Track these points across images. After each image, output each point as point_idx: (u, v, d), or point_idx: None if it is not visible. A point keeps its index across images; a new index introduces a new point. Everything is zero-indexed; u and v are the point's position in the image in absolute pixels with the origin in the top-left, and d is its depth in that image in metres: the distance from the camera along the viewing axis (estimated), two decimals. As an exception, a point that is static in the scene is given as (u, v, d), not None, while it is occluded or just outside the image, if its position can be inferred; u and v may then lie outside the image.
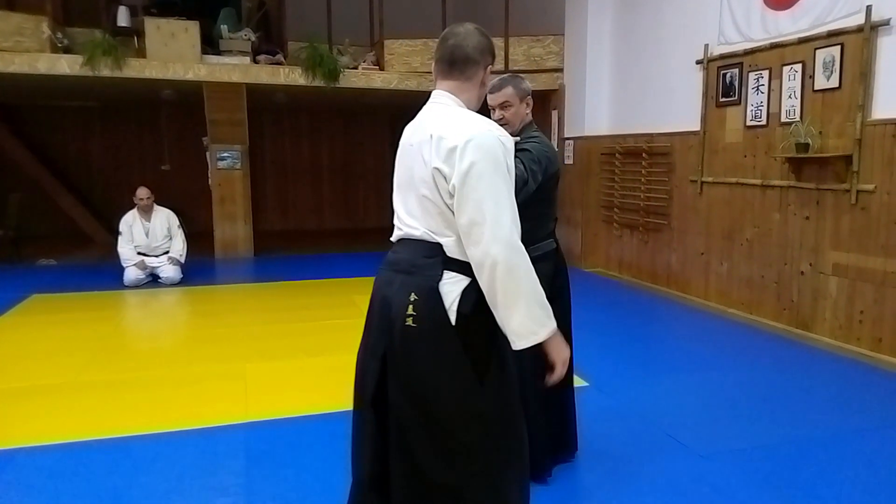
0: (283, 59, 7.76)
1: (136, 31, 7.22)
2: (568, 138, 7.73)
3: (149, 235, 6.65)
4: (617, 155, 7.01)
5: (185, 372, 4.00)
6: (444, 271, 1.62)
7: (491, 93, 2.49)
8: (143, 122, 10.74)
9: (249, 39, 7.56)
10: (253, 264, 7.87)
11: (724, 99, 5.52)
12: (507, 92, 2.49)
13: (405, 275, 1.67)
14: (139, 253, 6.59)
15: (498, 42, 7.83)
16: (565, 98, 7.76)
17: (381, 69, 7.89)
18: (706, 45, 5.67)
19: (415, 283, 1.63)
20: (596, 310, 5.72)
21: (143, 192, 6.63)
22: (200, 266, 7.35)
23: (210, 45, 7.60)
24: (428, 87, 7.86)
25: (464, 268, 1.60)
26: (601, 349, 4.47)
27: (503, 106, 2.50)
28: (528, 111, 2.56)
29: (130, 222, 6.64)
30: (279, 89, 7.90)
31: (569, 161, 7.73)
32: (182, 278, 6.66)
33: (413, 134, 1.72)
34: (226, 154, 7.80)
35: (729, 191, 5.48)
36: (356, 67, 7.82)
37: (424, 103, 1.77)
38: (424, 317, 1.60)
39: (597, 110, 7.33)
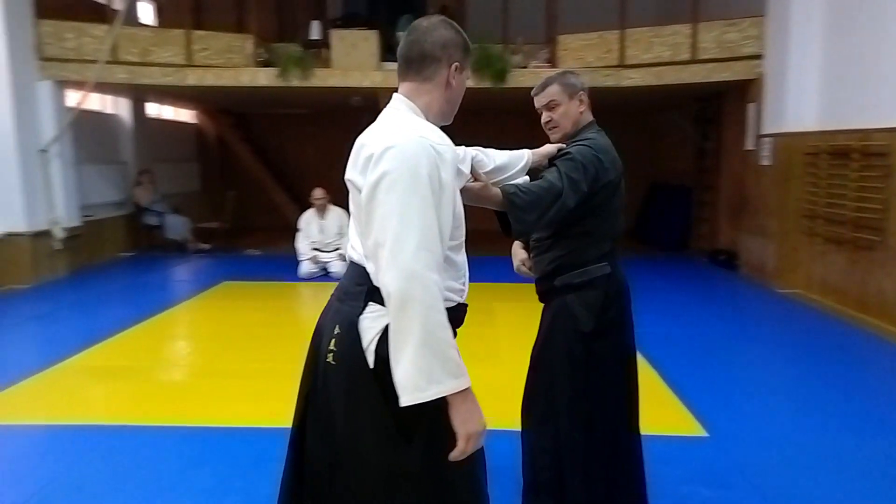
0: (456, 61, 7.80)
1: (326, 44, 7.80)
2: (766, 135, 6.65)
3: (322, 232, 7.17)
4: (823, 155, 5.85)
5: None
6: (369, 303, 1.39)
7: (534, 94, 2.19)
8: (348, 127, 11.65)
9: (424, 44, 7.73)
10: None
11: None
12: (552, 90, 2.15)
13: (338, 303, 1.48)
14: (314, 248, 7.14)
15: (684, 29, 7.03)
16: (764, 89, 6.68)
17: (554, 66, 7.55)
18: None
19: (341, 314, 1.44)
20: (773, 341, 4.85)
21: (318, 193, 7.17)
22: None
23: (392, 52, 7.93)
24: (602, 82, 7.37)
25: None
26: (758, 393, 3.73)
27: (549, 107, 2.16)
28: (583, 109, 2.17)
29: (308, 220, 7.23)
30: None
31: (765, 162, 6.65)
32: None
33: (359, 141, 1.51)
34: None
35: (966, 202, 4.22)
36: (526, 66, 7.58)
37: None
38: (343, 354, 1.40)
39: (802, 102, 6.17)
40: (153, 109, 10.50)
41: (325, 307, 1.54)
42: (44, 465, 2.80)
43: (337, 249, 7.14)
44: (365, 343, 1.37)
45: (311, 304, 6.31)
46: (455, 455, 1.33)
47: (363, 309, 1.40)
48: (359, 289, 1.42)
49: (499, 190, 1.86)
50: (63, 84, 7.17)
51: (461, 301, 1.53)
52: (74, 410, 3.43)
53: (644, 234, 10.15)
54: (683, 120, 9.34)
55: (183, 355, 4.65)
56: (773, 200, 6.51)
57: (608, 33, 7.34)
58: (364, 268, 1.43)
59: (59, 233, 7.01)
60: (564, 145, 2.13)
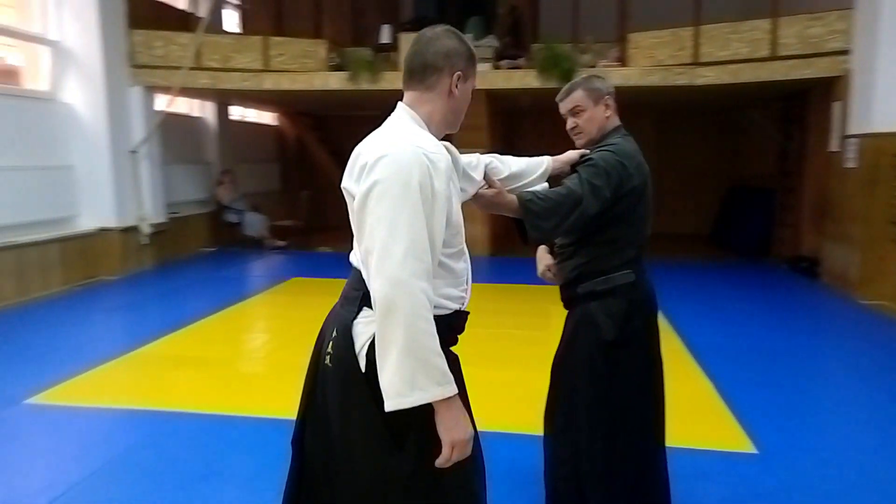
0: (523, 62, 7.77)
1: (395, 47, 7.96)
2: (852, 136, 6.23)
3: (386, 232, 7.31)
4: (914, 157, 5.43)
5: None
6: (363, 308, 1.44)
7: (560, 100, 2.16)
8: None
9: (491, 46, 7.75)
10: (484, 264, 8.09)
11: None
12: (577, 96, 2.11)
13: (339, 306, 1.54)
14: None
15: (763, 24, 6.69)
16: (851, 86, 6.26)
17: (624, 65, 7.38)
18: None
19: (339, 318, 1.50)
20: (848, 356, 4.55)
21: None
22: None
23: (459, 53, 8.00)
24: (675, 81, 7.13)
25: None
26: (819, 411, 3.52)
27: (574, 112, 2.13)
28: (609, 114, 2.13)
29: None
30: (517, 93, 7.94)
31: (851, 164, 6.23)
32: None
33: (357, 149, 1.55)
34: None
35: None
36: (595, 66, 7.44)
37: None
38: (339, 357, 1.45)
39: (891, 101, 5.75)
40: (237, 112, 11.06)
41: (331, 309, 1.60)
42: (109, 444, 3.03)
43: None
44: (357, 347, 1.41)
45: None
46: (440, 462, 1.35)
47: (357, 313, 1.43)
48: (355, 293, 1.46)
49: (514, 197, 1.87)
50: (152, 89, 7.67)
51: (461, 308, 1.54)
52: (144, 395, 3.68)
53: (721, 238, 9.73)
54: (764, 119, 8.88)
55: (249, 347, 4.89)
56: (858, 205, 6.09)
57: (682, 30, 7.09)
58: (359, 272, 1.47)
59: (146, 228, 7.52)
60: (588, 151, 2.10)
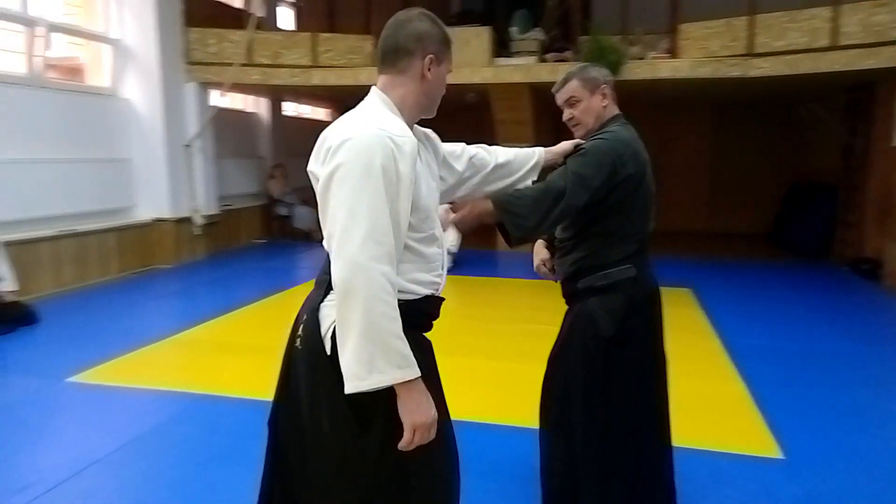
0: (570, 55, 7.64)
1: (441, 41, 7.96)
2: (918, 130, 5.85)
3: (428, 226, 7.35)
4: None
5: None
6: (329, 291, 1.44)
7: (555, 91, 2.12)
8: (467, 124, 11.80)
9: (537, 39, 7.65)
10: (526, 260, 8.03)
11: None
12: (572, 86, 2.07)
13: (312, 290, 1.55)
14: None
15: (823, 12, 6.35)
16: (920, 76, 5.88)
17: (674, 57, 7.15)
18: None
19: (309, 301, 1.52)
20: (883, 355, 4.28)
21: (425, 187, 7.35)
22: (482, 257, 7.83)
23: (506, 48, 7.94)
24: (727, 73, 6.86)
25: None
26: (858, 420, 3.32)
27: (570, 103, 2.09)
28: (606, 104, 2.08)
29: (415, 213, 7.44)
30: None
31: (916, 160, 5.85)
32: (453, 267, 7.19)
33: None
34: (512, 151, 8.11)
35: None
36: (643, 58, 7.24)
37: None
38: (307, 340, 1.47)
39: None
40: (291, 108, 11.33)
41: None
42: (138, 422, 3.17)
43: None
44: (323, 330, 1.41)
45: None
46: (402, 445, 1.35)
47: (324, 297, 1.45)
48: (324, 277, 1.47)
49: (489, 203, 1.84)
50: (206, 85, 7.95)
51: (433, 293, 1.53)
52: (180, 377, 3.84)
53: (781, 238, 9.30)
54: (828, 113, 8.43)
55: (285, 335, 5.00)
56: (922, 204, 5.72)
57: (736, 20, 6.81)
58: (328, 256, 1.48)
59: (198, 219, 7.81)
60: (583, 141, 2.05)
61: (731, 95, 9.17)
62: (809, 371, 3.99)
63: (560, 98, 2.11)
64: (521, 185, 1.93)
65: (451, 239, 7.32)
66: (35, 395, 3.49)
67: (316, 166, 1.44)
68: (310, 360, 1.45)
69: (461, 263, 7.33)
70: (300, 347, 1.48)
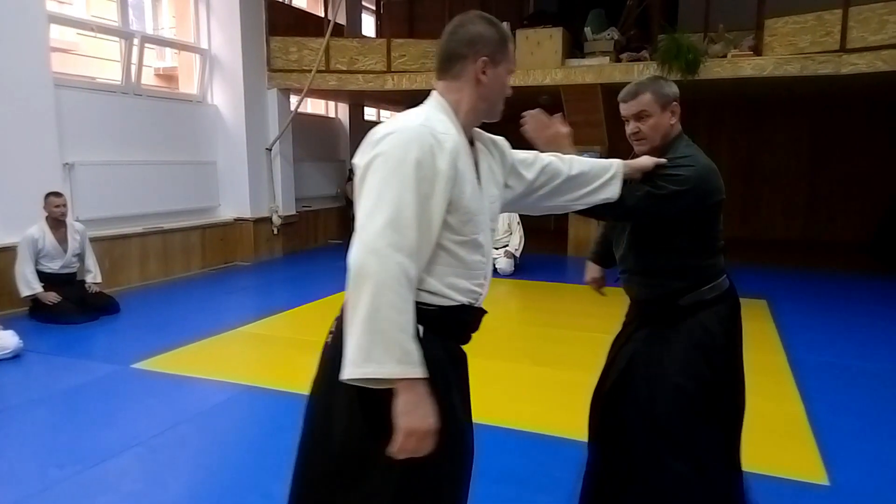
0: (647, 54, 7.38)
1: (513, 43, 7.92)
2: None
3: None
4: None
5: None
6: None
7: (623, 101, 2.00)
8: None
9: (612, 38, 7.45)
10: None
11: None
12: (644, 100, 1.95)
13: None
14: (484, 244, 7.34)
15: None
16: None
17: (758, 55, 6.74)
18: None
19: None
20: None
21: (492, 190, 7.33)
22: (545, 262, 7.71)
23: (579, 49, 7.79)
24: (817, 70, 6.39)
25: None
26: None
27: (640, 116, 1.96)
28: (674, 121, 1.98)
29: (481, 216, 7.44)
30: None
31: None
32: (514, 271, 7.13)
33: None
34: (586, 155, 7.93)
35: None
36: (725, 56, 6.87)
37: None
38: (336, 335, 1.45)
39: None
40: (372, 114, 11.65)
41: None
42: (186, 408, 3.37)
43: (505, 247, 7.24)
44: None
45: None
46: (391, 449, 1.28)
47: None
48: None
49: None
50: (286, 91, 8.31)
51: (470, 303, 1.48)
52: (234, 368, 4.04)
53: (884, 248, 8.53)
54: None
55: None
56: None
57: (828, 13, 6.34)
58: None
59: (276, 220, 8.18)
60: (664, 161, 1.91)
61: (829, 94, 8.52)
62: (878, 394, 3.64)
63: (629, 110, 2.00)
64: (592, 198, 1.82)
65: (514, 242, 7.27)
66: (101, 380, 3.78)
67: (357, 158, 1.42)
68: (334, 357, 1.39)
69: (524, 268, 7.25)
70: (329, 342, 1.48)
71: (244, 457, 2.86)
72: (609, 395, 2.10)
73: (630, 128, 2.01)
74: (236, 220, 7.83)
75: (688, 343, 1.96)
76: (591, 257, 2.41)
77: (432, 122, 1.38)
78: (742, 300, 2.05)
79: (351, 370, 1.26)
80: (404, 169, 1.29)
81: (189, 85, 7.74)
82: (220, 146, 7.77)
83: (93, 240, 5.65)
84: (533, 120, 1.95)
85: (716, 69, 6.79)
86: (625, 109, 2.01)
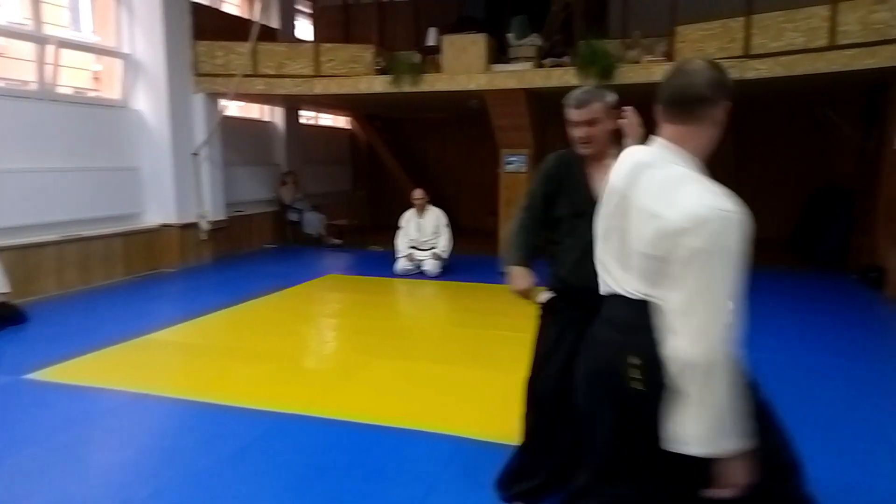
0: (567, 60, 7.57)
1: (438, 49, 8.03)
2: (918, 132, 5.54)
3: (420, 231, 7.42)
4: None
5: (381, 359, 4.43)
6: (656, 338, 1.50)
7: (576, 108, 2.21)
8: (485, 130, 11.82)
9: (535, 45, 7.62)
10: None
11: None
12: (595, 108, 2.19)
13: (614, 331, 1.59)
14: (411, 247, 7.42)
15: (821, 11, 6.11)
16: (920, 76, 5.57)
17: (671, 60, 6.99)
18: None
19: (628, 345, 1.53)
20: (873, 382, 4.03)
21: (417, 193, 7.44)
22: (475, 263, 7.82)
23: (504, 54, 7.94)
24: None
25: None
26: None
27: (591, 123, 2.20)
28: (614, 127, 2.22)
29: (408, 219, 7.53)
30: (555, 91, 7.74)
31: (916, 164, 5.54)
32: (441, 273, 7.23)
33: (623, 181, 1.57)
34: (513, 158, 8.12)
35: None
36: (639, 62, 7.11)
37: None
38: (652, 381, 1.49)
39: (961, 90, 5.06)
40: (309, 117, 11.62)
41: (595, 333, 1.64)
42: (62, 418, 3.35)
43: (432, 248, 7.34)
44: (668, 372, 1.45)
45: (390, 299, 6.59)
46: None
47: (655, 343, 1.45)
48: (641, 322, 1.48)
49: None
50: (214, 96, 8.25)
51: None
52: (128, 376, 4.01)
53: (801, 245, 8.94)
54: (843, 115, 8.07)
55: (242, 340, 5.12)
56: (919, 210, 5.41)
57: (733, 21, 6.62)
58: (640, 302, 1.49)
59: (205, 225, 8.10)
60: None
61: (751, 98, 8.88)
62: (774, 383, 3.83)
63: (581, 116, 2.20)
64: None
65: (441, 244, 7.37)
66: (-13, 390, 3.72)
67: (662, 209, 1.43)
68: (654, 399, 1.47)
69: (453, 269, 7.36)
70: (643, 389, 1.48)
71: (115, 466, 2.87)
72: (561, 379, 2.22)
73: (580, 132, 2.21)
74: (162, 226, 7.73)
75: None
76: (515, 262, 2.42)
77: (722, 201, 1.38)
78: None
79: (705, 447, 1.40)
80: (731, 264, 1.37)
81: (111, 90, 7.61)
82: (145, 151, 7.67)
83: (2, 249, 5.52)
84: (632, 116, 2.11)
85: (630, 74, 7.02)
86: (576, 115, 2.21)
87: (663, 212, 1.40)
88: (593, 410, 1.62)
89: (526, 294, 2.37)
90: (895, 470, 2.78)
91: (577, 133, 2.22)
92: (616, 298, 1.57)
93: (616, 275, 1.57)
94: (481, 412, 3.38)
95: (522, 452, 2.50)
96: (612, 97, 2.22)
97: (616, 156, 2.25)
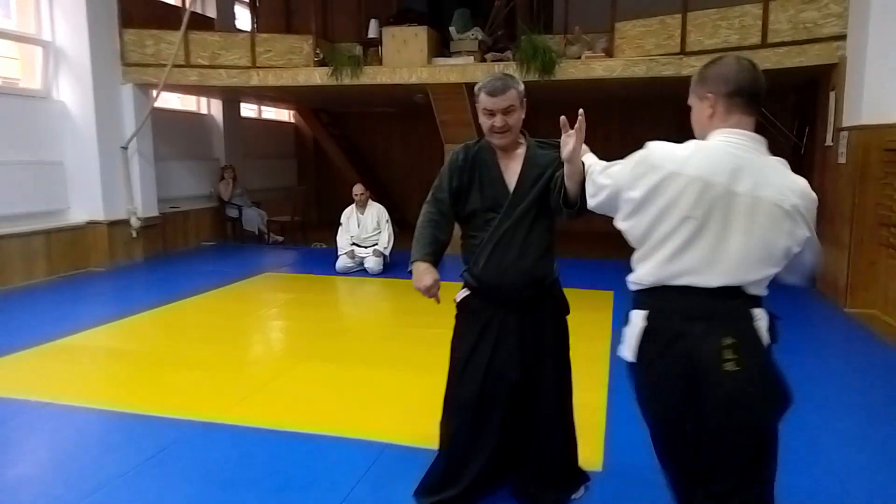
0: (511, 55, 7.51)
1: (379, 41, 7.87)
2: (843, 128, 5.68)
3: (360, 227, 7.26)
4: (903, 152, 4.88)
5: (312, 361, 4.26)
6: (751, 311, 1.65)
7: (493, 95, 2.14)
8: (433, 125, 11.71)
9: (476, 39, 7.54)
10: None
11: None
12: (512, 95, 2.16)
13: (705, 322, 1.65)
14: (353, 244, 7.25)
15: (752, 9, 6.21)
16: (846, 74, 5.70)
17: (610, 56, 7.01)
18: None
19: (723, 329, 1.63)
20: (816, 369, 4.05)
21: (358, 189, 7.27)
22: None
23: (447, 48, 7.83)
24: (661, 72, 6.70)
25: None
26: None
27: (507, 111, 2.15)
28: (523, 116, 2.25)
29: (349, 215, 7.36)
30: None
31: (842, 160, 5.68)
32: (383, 270, 7.09)
33: (737, 181, 1.61)
34: (456, 153, 8.02)
35: None
36: (580, 57, 7.10)
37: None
38: (748, 357, 1.64)
39: (883, 89, 5.20)
40: (251, 110, 11.28)
41: (685, 330, 1.64)
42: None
43: (374, 245, 7.19)
44: (764, 339, 1.65)
45: (328, 298, 6.43)
46: None
47: (750, 319, 1.63)
48: (740, 310, 1.63)
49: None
50: (145, 87, 7.89)
51: None
52: (35, 384, 3.76)
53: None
54: (776, 113, 8.24)
55: (165, 342, 4.89)
56: (845, 205, 5.55)
57: (670, 18, 6.67)
58: (720, 290, 1.60)
59: (135, 222, 7.75)
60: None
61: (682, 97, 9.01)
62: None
63: (498, 104, 2.14)
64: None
65: (383, 240, 7.23)
66: None
67: (795, 199, 1.61)
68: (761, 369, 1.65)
69: (395, 266, 7.23)
70: (737, 368, 1.58)
71: (3, 480, 2.65)
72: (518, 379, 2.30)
73: (497, 121, 2.16)
74: (88, 223, 7.36)
75: (559, 315, 2.39)
76: (420, 258, 2.32)
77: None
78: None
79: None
80: None
81: (31, 79, 7.19)
82: (69, 145, 7.28)
83: None
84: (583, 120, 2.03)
85: (570, 70, 7.01)
86: (493, 104, 2.15)
87: (790, 197, 1.60)
88: (683, 412, 1.68)
89: (430, 291, 2.26)
90: (825, 473, 2.79)
91: (494, 122, 2.16)
92: (690, 292, 1.62)
93: (700, 269, 1.61)
94: (406, 416, 3.27)
95: (444, 459, 2.41)
96: (522, 85, 2.20)
97: (524, 146, 2.22)
